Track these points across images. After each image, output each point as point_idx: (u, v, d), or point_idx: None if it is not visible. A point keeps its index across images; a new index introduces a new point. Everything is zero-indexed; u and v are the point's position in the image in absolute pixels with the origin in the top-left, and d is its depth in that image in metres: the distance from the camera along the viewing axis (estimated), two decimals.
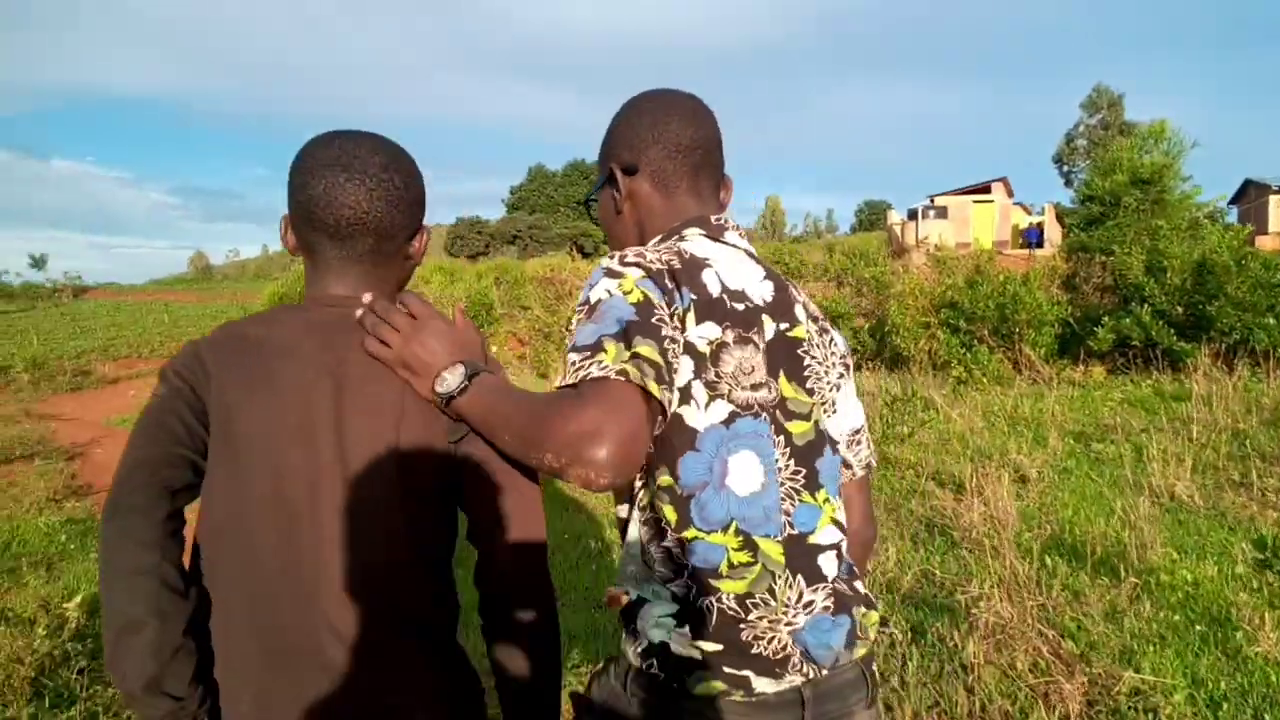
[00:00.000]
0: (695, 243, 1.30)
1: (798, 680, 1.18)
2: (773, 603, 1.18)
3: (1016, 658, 3.32)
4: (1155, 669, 3.29)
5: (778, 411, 1.25)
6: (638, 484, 1.22)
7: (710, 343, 1.20)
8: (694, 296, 1.20)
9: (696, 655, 1.15)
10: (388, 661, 1.14)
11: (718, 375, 1.20)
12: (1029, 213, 38.77)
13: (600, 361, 1.05)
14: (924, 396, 8.91)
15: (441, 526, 1.23)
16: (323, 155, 1.22)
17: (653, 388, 1.06)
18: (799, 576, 1.21)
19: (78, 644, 3.81)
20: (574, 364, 1.08)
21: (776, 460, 1.22)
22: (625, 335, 1.08)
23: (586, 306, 1.16)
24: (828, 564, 1.25)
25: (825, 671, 1.20)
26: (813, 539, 1.24)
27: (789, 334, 1.30)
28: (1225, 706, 3.07)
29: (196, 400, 1.15)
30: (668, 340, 1.12)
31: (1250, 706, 3.08)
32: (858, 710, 1.25)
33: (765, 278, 1.32)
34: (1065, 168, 56.27)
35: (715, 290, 1.23)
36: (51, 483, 7.59)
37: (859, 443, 1.44)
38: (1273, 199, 31.20)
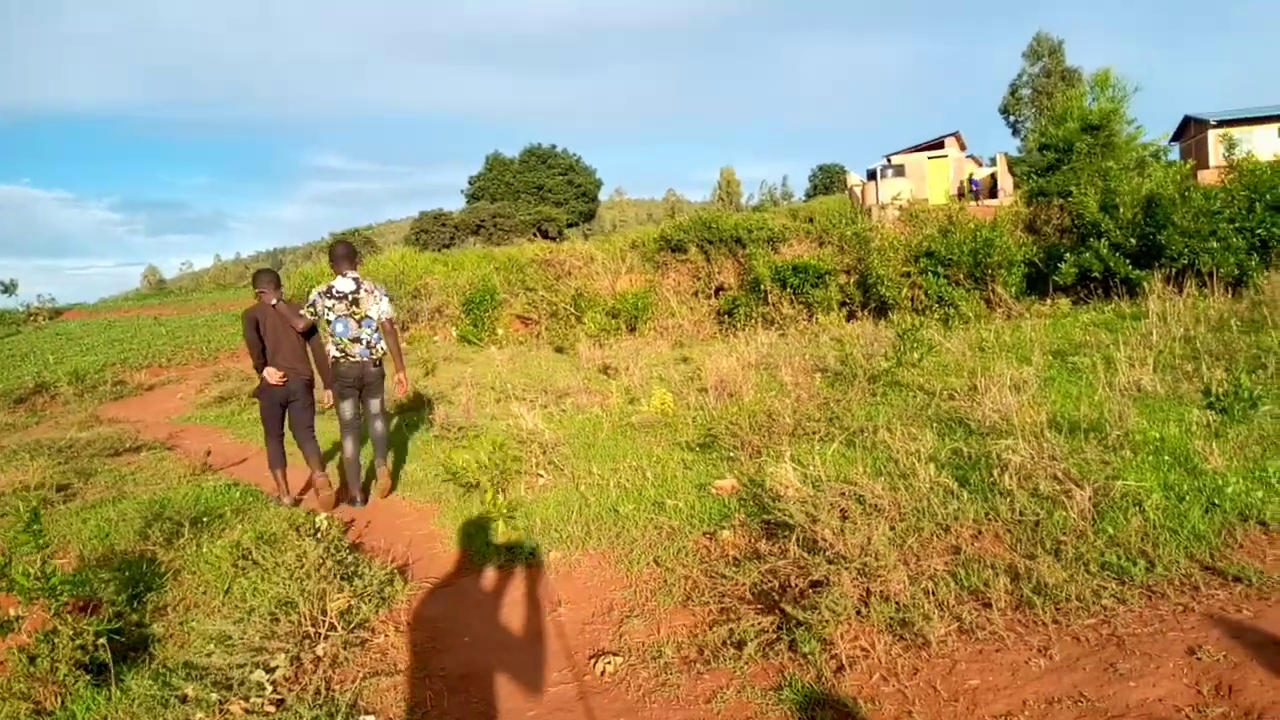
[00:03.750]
0: (336, 280, 6.78)
1: (357, 360, 6.73)
2: (349, 348, 6.71)
3: (1039, 483, 4.65)
4: (1138, 482, 4.63)
5: (351, 312, 6.70)
6: (326, 333, 6.81)
7: (331, 304, 6.68)
8: (326, 294, 6.72)
9: (338, 355, 6.75)
10: (296, 364, 6.91)
11: (333, 310, 6.67)
12: (980, 165, 40.26)
13: (303, 312, 6.78)
14: (923, 335, 10.23)
15: (303, 342, 6.98)
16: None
17: (309, 318, 6.78)
18: (356, 343, 6.71)
19: (340, 541, 5.03)
20: (306, 315, 6.80)
21: (349, 325, 6.67)
22: (310, 305, 6.73)
23: (308, 305, 6.78)
24: (364, 340, 6.74)
25: (361, 360, 6.74)
26: (361, 338, 6.72)
27: (354, 295, 6.73)
28: (1187, 499, 4.42)
29: (256, 323, 6.82)
30: (319, 306, 6.70)
31: (1204, 498, 4.43)
32: (370, 367, 6.82)
33: (354, 283, 6.77)
34: (1012, 118, 57.72)
35: (334, 291, 6.71)
36: (188, 464, 8.68)
37: (387, 316, 6.88)
38: (1211, 134, 32.91)
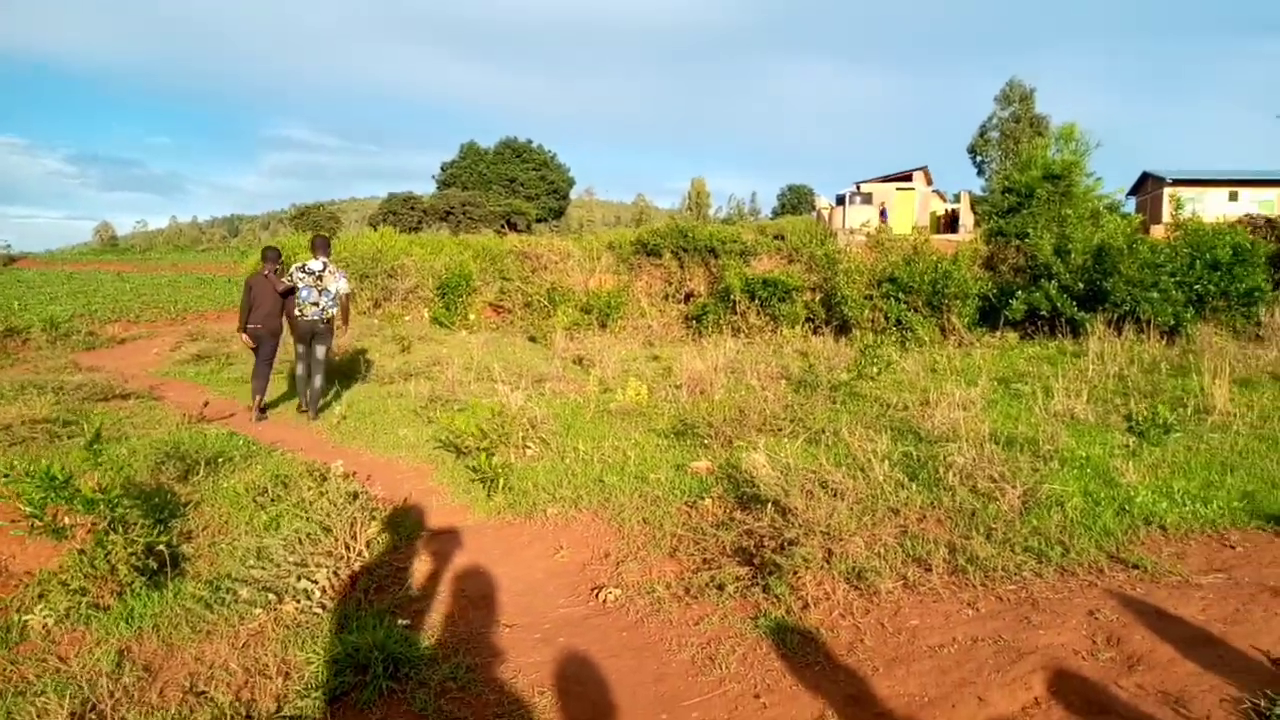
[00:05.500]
0: (310, 261, 9.52)
1: (310, 319, 9.38)
2: (306, 310, 9.35)
3: (978, 482, 5.36)
4: (1062, 487, 5.37)
5: (316, 285, 9.39)
6: (295, 299, 9.45)
7: (303, 276, 9.37)
8: (300, 269, 9.41)
9: (298, 313, 9.39)
10: (268, 320, 9.39)
11: (303, 281, 9.34)
12: (944, 200, 41.62)
13: (284, 280, 9.34)
14: (883, 353, 11.01)
15: (280, 304, 9.51)
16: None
17: (288, 284, 9.32)
18: (314, 306, 9.36)
19: (350, 484, 5.57)
20: (285, 282, 9.38)
21: (311, 293, 9.36)
22: (289, 275, 9.39)
23: (289, 275, 9.49)
24: (319, 305, 9.38)
25: (313, 319, 9.38)
26: (315, 305, 9.37)
27: (320, 274, 9.41)
28: (1102, 504, 5.16)
29: (250, 288, 9.41)
30: (295, 277, 9.34)
31: (1116, 504, 5.18)
32: (320, 325, 9.45)
33: (321, 265, 9.45)
34: (979, 158, 59.49)
35: (306, 268, 9.41)
36: (182, 413, 9.11)
37: (344, 292, 9.61)
38: (1166, 191, 34.49)
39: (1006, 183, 19.65)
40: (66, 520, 4.76)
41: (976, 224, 27.38)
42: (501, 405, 7.73)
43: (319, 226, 59.25)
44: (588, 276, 20.38)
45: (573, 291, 19.70)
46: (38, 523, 4.63)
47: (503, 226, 67.30)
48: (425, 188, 78.25)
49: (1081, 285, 15.01)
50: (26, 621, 4.30)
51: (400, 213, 71.26)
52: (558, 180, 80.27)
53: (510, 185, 77.91)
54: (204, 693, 3.45)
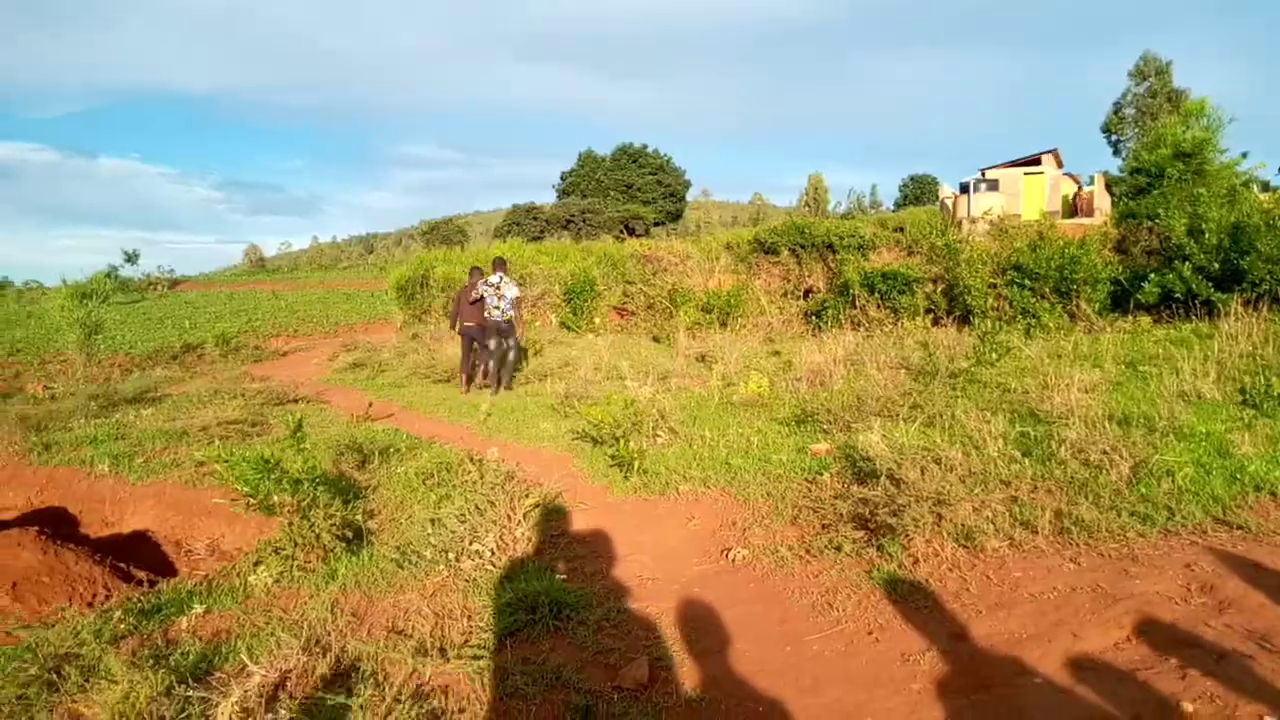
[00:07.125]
0: (492, 275, 11.87)
1: (495, 320, 11.74)
2: (493, 313, 11.69)
3: (1089, 455, 5.62)
4: (1174, 457, 5.57)
5: (496, 293, 11.68)
6: (485, 304, 11.88)
7: (486, 289, 11.72)
8: (485, 283, 11.79)
9: (488, 316, 11.80)
10: (471, 320, 12.03)
11: (487, 292, 11.71)
12: (1078, 183, 40.09)
13: (473, 293, 11.94)
14: (1003, 339, 11.11)
15: (477, 308, 11.98)
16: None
17: (476, 295, 11.84)
18: (497, 310, 11.70)
19: (504, 467, 6.27)
20: (477, 294, 12.00)
21: (494, 299, 11.68)
22: (478, 288, 11.86)
23: (479, 289, 12.10)
24: (499, 309, 11.71)
25: (497, 320, 11.72)
26: (497, 309, 11.71)
27: (498, 285, 11.70)
28: (1213, 473, 5.35)
29: (458, 297, 12.62)
30: (482, 289, 11.81)
31: (1228, 473, 5.35)
32: (503, 324, 11.79)
33: (499, 278, 11.79)
34: (1114, 137, 56.83)
35: (488, 282, 11.79)
36: (349, 413, 10.15)
37: (515, 297, 11.78)
38: None
39: (1135, 163, 19.10)
40: (275, 499, 5.62)
41: (1114, 206, 26.43)
42: (632, 399, 8.36)
43: (448, 240, 62.03)
44: (707, 277, 20.92)
45: (693, 292, 20.28)
46: (252, 500, 5.51)
47: (621, 231, 68.57)
48: (545, 197, 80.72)
49: (1217, 265, 14.55)
50: (250, 582, 5.18)
51: (523, 223, 73.57)
52: (674, 183, 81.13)
53: (627, 191, 79.26)
54: (403, 631, 4.17)
